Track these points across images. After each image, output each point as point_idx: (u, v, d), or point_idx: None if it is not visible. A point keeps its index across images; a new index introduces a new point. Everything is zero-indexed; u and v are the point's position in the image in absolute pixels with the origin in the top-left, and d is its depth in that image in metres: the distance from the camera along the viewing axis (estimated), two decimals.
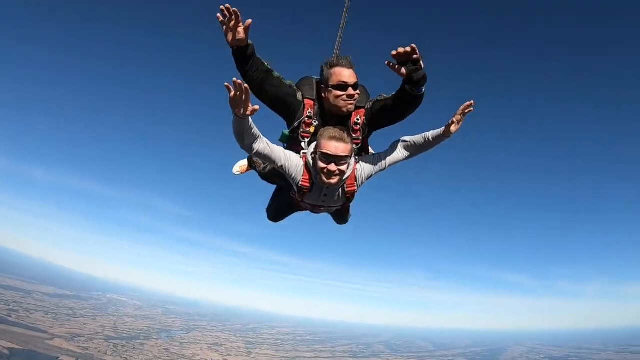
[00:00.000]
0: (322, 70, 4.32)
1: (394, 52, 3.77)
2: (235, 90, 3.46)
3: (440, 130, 4.24)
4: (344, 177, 4.15)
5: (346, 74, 4.14)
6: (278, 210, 5.67)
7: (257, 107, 3.66)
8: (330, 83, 4.17)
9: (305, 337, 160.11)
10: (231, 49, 3.87)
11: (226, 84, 3.44)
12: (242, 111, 3.59)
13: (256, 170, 5.67)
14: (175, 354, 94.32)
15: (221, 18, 3.69)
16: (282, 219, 5.85)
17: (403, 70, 3.86)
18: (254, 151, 3.96)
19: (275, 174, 4.99)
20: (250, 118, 3.72)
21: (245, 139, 3.84)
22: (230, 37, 3.76)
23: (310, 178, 4.23)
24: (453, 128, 4.20)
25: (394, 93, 4.17)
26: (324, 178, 4.02)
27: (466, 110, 4.21)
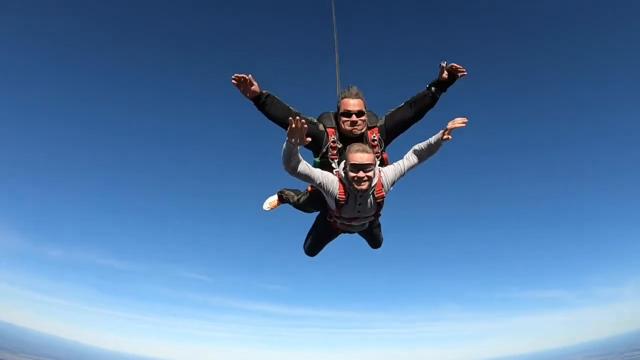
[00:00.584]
0: (338, 100, 5.28)
1: (453, 65, 4.98)
2: (295, 124, 4.23)
3: (439, 135, 4.88)
4: (373, 183, 4.86)
5: (351, 103, 5.03)
6: (316, 239, 6.17)
7: (309, 139, 4.51)
8: (340, 111, 5.10)
9: None
10: (254, 103, 4.92)
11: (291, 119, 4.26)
12: (297, 141, 4.39)
13: (289, 203, 6.33)
14: None
15: (235, 82, 4.75)
16: (319, 250, 6.36)
17: (445, 74, 5.02)
18: (297, 171, 4.67)
19: (309, 203, 5.93)
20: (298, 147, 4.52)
21: (291, 162, 4.58)
22: (247, 93, 4.83)
23: (345, 190, 4.92)
24: (445, 137, 4.86)
25: (405, 103, 5.21)
26: (356, 185, 4.76)
27: (456, 127, 4.89)
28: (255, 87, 4.81)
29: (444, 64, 5.00)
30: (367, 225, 5.57)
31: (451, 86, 5.13)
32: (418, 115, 5.23)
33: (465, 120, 4.88)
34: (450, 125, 4.86)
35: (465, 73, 5.00)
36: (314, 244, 6.23)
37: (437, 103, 5.18)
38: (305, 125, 4.31)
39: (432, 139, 4.94)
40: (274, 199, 6.62)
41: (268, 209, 6.67)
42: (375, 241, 6.36)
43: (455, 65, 4.96)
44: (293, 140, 4.37)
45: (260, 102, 4.91)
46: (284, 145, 4.49)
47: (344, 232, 5.77)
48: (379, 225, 6.05)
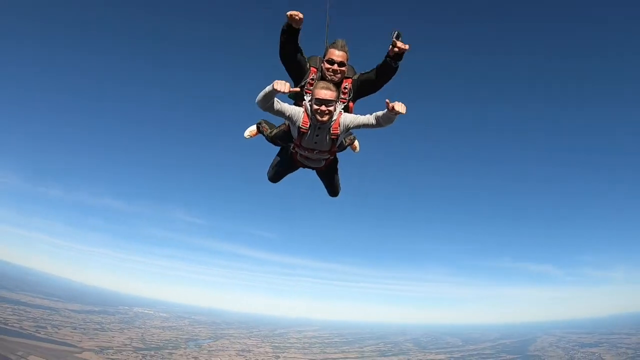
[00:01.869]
0: (325, 47, 6.16)
1: (397, 42, 5.72)
2: (281, 85, 5.34)
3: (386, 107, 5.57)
4: (333, 118, 5.80)
5: (336, 53, 5.96)
6: (278, 167, 7.17)
7: (295, 89, 5.94)
8: (325, 57, 6.05)
9: (332, 339, 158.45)
10: (288, 27, 5.67)
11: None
12: (283, 89, 5.31)
13: (263, 135, 7.23)
14: None
15: (294, 15, 5.49)
16: (280, 178, 7.38)
17: (395, 49, 5.75)
18: (274, 110, 5.68)
19: (279, 137, 6.80)
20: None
21: (267, 103, 5.57)
22: (295, 23, 5.60)
23: (309, 121, 5.83)
24: (390, 105, 5.51)
25: (374, 68, 6.09)
26: (318, 117, 5.69)
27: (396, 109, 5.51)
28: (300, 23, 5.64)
29: (393, 43, 5.77)
30: (323, 162, 6.60)
31: (402, 57, 5.88)
32: (380, 80, 6.13)
33: (402, 110, 5.50)
34: (394, 104, 5.47)
35: (405, 49, 5.77)
36: (276, 172, 7.27)
37: (397, 71, 5.98)
38: (291, 89, 5.37)
39: (384, 112, 5.64)
40: (252, 128, 7.44)
41: (248, 136, 7.47)
42: (332, 187, 7.35)
43: (399, 46, 5.74)
44: (278, 87, 5.27)
45: (295, 32, 5.75)
46: (267, 88, 5.39)
47: (303, 165, 6.76)
48: (336, 171, 7.17)
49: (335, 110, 5.78)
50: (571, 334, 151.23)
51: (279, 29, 5.78)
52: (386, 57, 5.90)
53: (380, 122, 5.80)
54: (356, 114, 6.09)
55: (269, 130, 7.05)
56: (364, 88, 6.29)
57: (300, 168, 6.93)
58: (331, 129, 5.93)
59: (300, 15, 5.50)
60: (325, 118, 5.69)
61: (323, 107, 5.61)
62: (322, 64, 6.08)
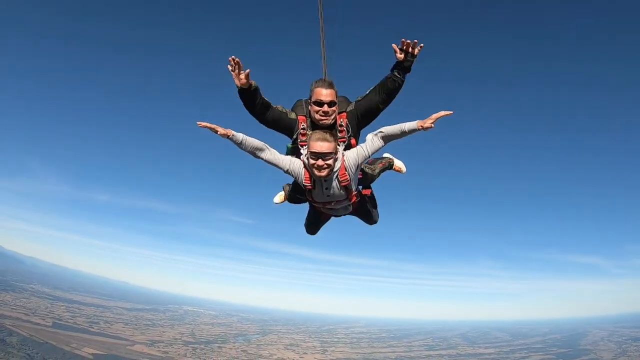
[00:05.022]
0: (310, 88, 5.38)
1: (403, 40, 5.00)
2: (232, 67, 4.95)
3: (415, 125, 4.89)
4: (334, 170, 5.12)
5: (323, 93, 5.20)
6: (310, 221, 6.60)
7: (226, 131, 5.00)
8: (312, 100, 5.28)
9: (380, 335, 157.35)
10: (237, 89, 5.09)
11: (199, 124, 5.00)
12: (220, 135, 4.96)
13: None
14: (253, 354, 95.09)
15: (230, 68, 4.95)
16: (316, 230, 6.81)
17: (402, 55, 5.07)
18: (264, 160, 5.22)
19: (295, 193, 6.27)
20: (239, 136, 5.04)
21: (247, 152, 5.18)
22: (236, 81, 5.01)
23: (311, 176, 5.21)
24: (427, 125, 4.83)
25: (372, 88, 5.32)
26: (316, 172, 5.03)
27: (441, 116, 4.88)
28: (244, 78, 4.98)
29: (395, 46, 5.09)
30: (350, 208, 5.86)
31: (414, 63, 5.14)
32: (386, 99, 5.31)
33: (450, 113, 4.87)
34: (435, 115, 4.85)
35: (420, 46, 5.04)
36: (309, 225, 6.73)
37: (403, 86, 5.24)
38: (240, 64, 4.89)
39: (406, 127, 4.96)
40: (281, 193, 6.89)
41: (277, 202, 6.99)
42: (368, 219, 6.58)
43: (406, 41, 5.00)
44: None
45: (247, 93, 5.12)
46: (236, 144, 5.12)
47: (331, 215, 6.17)
48: (373, 206, 6.42)
49: (335, 161, 5.11)
50: (623, 329, 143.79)
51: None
52: (392, 69, 5.21)
53: (391, 141, 5.22)
54: (357, 147, 5.33)
55: (287, 191, 6.64)
56: (366, 119, 5.51)
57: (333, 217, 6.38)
58: (339, 177, 5.27)
59: (237, 60, 4.95)
60: (324, 172, 5.06)
61: (320, 162, 4.99)
62: (309, 107, 5.37)
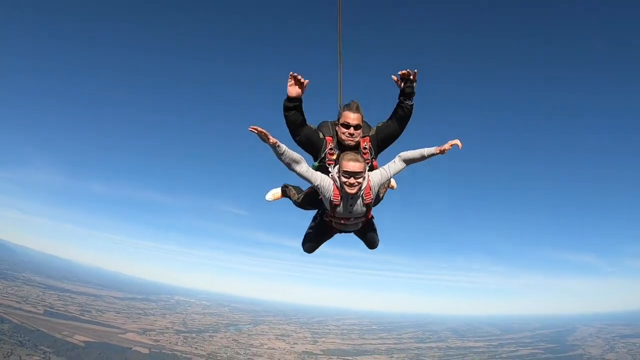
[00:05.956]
0: (339, 112, 5.93)
1: (400, 72, 5.56)
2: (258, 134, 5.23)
3: (434, 150, 5.53)
4: (362, 187, 5.59)
5: (351, 117, 5.68)
6: (313, 237, 6.79)
7: (275, 140, 5.27)
8: (340, 121, 5.78)
9: (371, 327, 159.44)
10: (287, 97, 5.51)
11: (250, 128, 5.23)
12: (268, 141, 5.24)
13: (290, 199, 7.02)
14: (244, 343, 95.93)
15: (292, 81, 5.44)
16: (315, 248, 7.05)
17: (401, 83, 5.63)
18: (297, 172, 5.55)
19: (308, 202, 6.66)
20: (283, 146, 5.32)
21: (284, 162, 5.49)
22: (292, 90, 5.46)
23: (339, 193, 5.65)
24: (445, 148, 5.50)
25: (389, 117, 5.89)
26: (347, 189, 5.49)
27: (452, 145, 5.54)
28: (300, 90, 5.50)
29: (394, 77, 5.69)
30: (360, 225, 6.28)
31: (414, 88, 5.66)
32: (400, 126, 5.90)
33: (459, 144, 5.56)
34: (451, 142, 5.52)
35: (415, 72, 5.54)
36: (312, 242, 6.89)
37: (413, 110, 5.81)
38: (261, 131, 5.17)
39: (426, 152, 5.59)
40: (277, 191, 7.22)
41: (270, 199, 7.30)
42: (370, 243, 7.03)
43: (402, 72, 5.56)
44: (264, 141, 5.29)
45: (296, 101, 5.56)
46: (276, 153, 5.44)
47: (340, 231, 6.45)
48: (374, 229, 6.79)
49: (364, 179, 5.61)
50: (611, 326, 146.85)
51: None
52: (398, 97, 5.76)
53: (410, 164, 5.82)
54: (381, 168, 5.92)
55: (297, 196, 6.90)
56: (385, 143, 6.09)
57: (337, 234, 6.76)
58: (363, 196, 5.79)
59: (305, 81, 5.48)
60: (355, 190, 5.56)
61: (352, 180, 5.48)
62: (336, 128, 5.91)
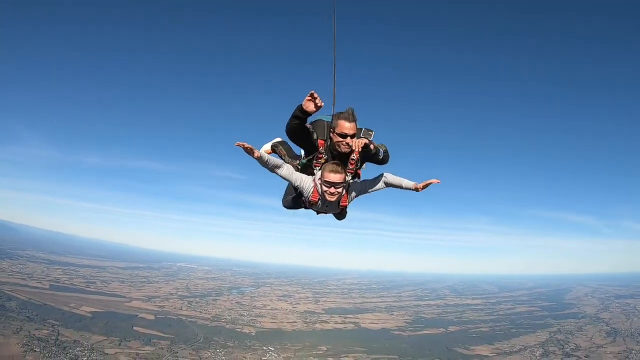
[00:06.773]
0: (332, 118, 6.01)
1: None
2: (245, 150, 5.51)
3: (411, 185, 6.05)
4: (340, 196, 6.05)
5: (347, 126, 5.80)
6: (291, 203, 7.13)
7: (258, 153, 5.60)
8: (336, 130, 5.89)
9: (371, 286, 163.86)
10: (301, 109, 5.51)
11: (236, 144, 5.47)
12: (253, 155, 5.57)
13: (279, 157, 7.08)
14: (247, 305, 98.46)
15: (311, 98, 5.41)
16: (292, 209, 7.33)
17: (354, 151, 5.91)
18: (280, 175, 6.06)
19: (294, 203, 6.92)
20: (265, 156, 5.71)
21: (268, 168, 5.90)
22: (310, 105, 5.44)
23: (318, 195, 6.10)
24: (419, 187, 6.01)
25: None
26: (327, 197, 5.94)
27: (427, 185, 6.02)
28: (315, 108, 5.53)
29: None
30: (338, 210, 6.65)
31: (378, 154, 5.95)
32: (380, 163, 6.16)
33: (439, 181, 6.00)
34: (427, 181, 5.98)
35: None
36: (289, 206, 7.27)
37: (388, 157, 6.13)
38: (249, 148, 5.47)
39: (404, 184, 6.15)
40: (267, 147, 7.38)
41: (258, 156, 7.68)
42: (340, 218, 7.44)
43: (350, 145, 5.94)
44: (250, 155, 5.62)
45: (306, 115, 5.63)
46: (261, 162, 5.80)
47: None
48: (344, 213, 7.12)
49: (343, 189, 6.02)
50: (607, 286, 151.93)
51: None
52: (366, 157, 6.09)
53: (388, 186, 6.33)
54: (363, 180, 6.43)
55: (287, 159, 7.03)
56: (367, 159, 6.27)
57: None
58: (340, 202, 6.21)
59: (321, 103, 5.51)
60: (334, 198, 5.97)
61: (332, 189, 5.86)
62: (331, 135, 6.04)
